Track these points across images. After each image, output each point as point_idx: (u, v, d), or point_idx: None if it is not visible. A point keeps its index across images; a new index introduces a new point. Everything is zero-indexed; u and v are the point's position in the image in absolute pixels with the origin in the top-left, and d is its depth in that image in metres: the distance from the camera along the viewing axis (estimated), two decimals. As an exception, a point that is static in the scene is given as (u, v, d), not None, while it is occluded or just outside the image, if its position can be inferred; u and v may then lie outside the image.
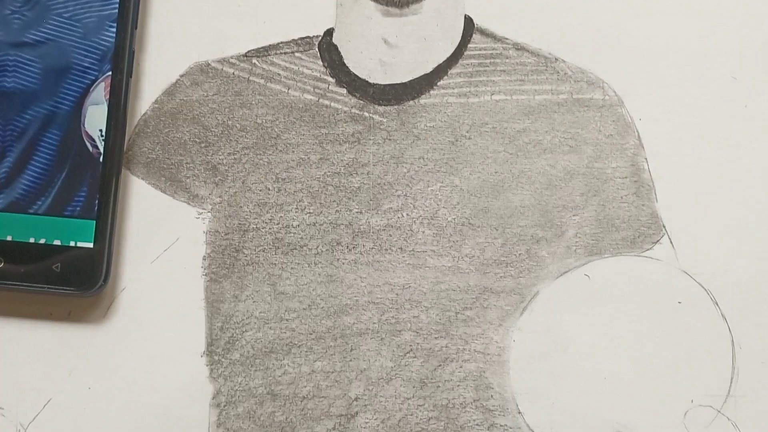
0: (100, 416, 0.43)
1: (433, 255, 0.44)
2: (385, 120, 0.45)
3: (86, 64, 0.44)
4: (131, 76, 0.44)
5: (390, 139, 0.45)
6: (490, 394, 0.43)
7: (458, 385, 0.43)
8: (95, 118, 0.44)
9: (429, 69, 0.46)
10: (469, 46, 0.46)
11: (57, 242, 0.43)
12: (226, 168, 0.45)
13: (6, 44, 0.44)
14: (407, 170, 0.45)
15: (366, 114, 0.45)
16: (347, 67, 0.46)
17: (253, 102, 0.46)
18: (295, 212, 0.45)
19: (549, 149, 0.45)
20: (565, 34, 0.46)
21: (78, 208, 0.43)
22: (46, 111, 0.44)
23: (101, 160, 0.43)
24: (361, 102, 0.46)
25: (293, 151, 0.45)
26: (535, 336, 0.44)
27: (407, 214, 0.45)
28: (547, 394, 0.43)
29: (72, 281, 0.43)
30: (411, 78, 0.46)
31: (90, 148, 0.44)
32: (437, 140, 0.45)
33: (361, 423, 0.43)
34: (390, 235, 0.45)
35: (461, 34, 0.46)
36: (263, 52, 0.46)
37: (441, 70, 0.46)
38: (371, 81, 0.46)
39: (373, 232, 0.45)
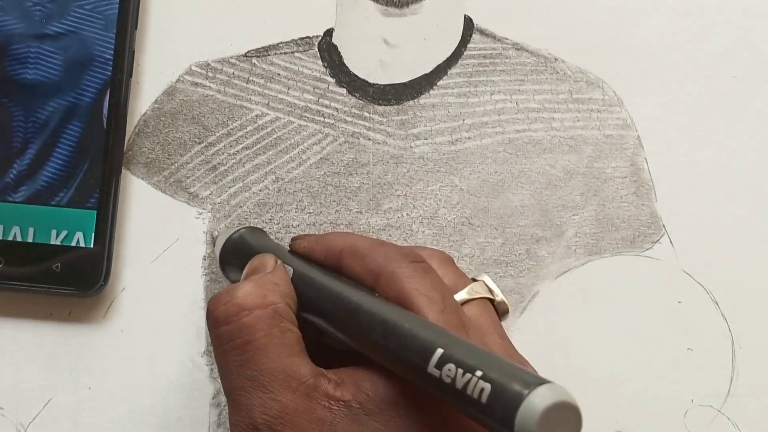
0: (100, 416, 0.43)
1: (433, 255, 0.44)
2: (385, 120, 0.45)
3: (108, 56, 0.44)
4: (131, 76, 0.44)
5: (390, 139, 0.45)
6: (490, 394, 0.43)
7: (458, 385, 0.43)
8: None
9: (429, 69, 0.46)
10: (468, 46, 0.46)
11: (62, 236, 0.43)
12: (226, 168, 0.45)
13: (28, 36, 0.44)
14: (407, 170, 0.45)
15: (366, 114, 0.45)
16: (347, 67, 0.46)
17: (253, 102, 0.46)
18: (295, 212, 0.45)
19: (549, 149, 0.45)
20: (565, 34, 0.46)
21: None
22: (68, 103, 0.44)
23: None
24: (361, 102, 0.46)
25: (293, 151, 0.45)
26: (535, 336, 0.44)
27: (407, 214, 0.45)
28: (547, 394, 0.43)
29: (72, 281, 0.43)
30: (411, 78, 0.46)
31: None
32: (437, 140, 0.45)
33: (361, 423, 0.43)
34: (390, 235, 0.45)
35: (461, 34, 0.46)
36: (263, 52, 0.46)
37: (441, 70, 0.46)
38: (371, 81, 0.46)
39: (373, 232, 0.45)
